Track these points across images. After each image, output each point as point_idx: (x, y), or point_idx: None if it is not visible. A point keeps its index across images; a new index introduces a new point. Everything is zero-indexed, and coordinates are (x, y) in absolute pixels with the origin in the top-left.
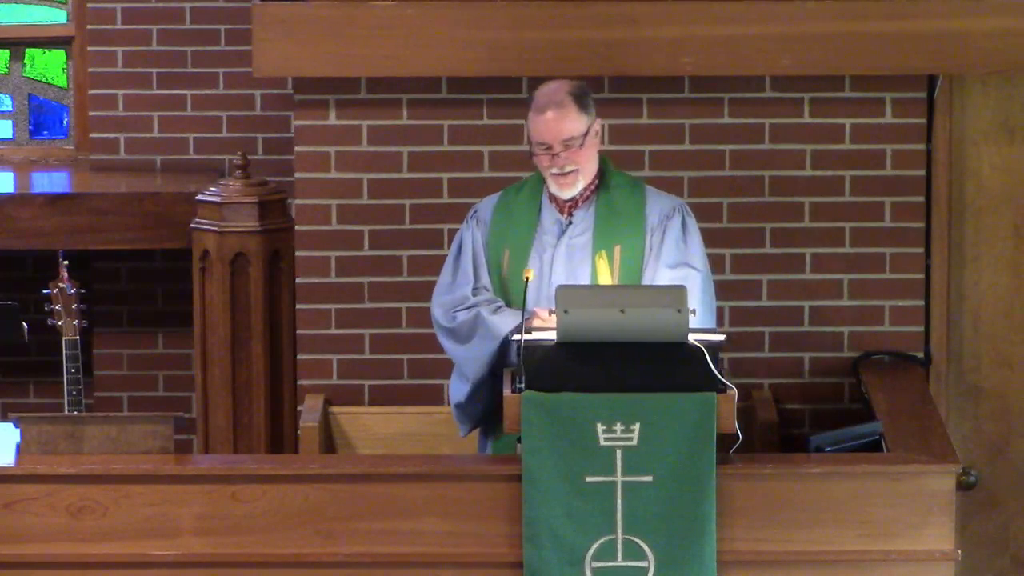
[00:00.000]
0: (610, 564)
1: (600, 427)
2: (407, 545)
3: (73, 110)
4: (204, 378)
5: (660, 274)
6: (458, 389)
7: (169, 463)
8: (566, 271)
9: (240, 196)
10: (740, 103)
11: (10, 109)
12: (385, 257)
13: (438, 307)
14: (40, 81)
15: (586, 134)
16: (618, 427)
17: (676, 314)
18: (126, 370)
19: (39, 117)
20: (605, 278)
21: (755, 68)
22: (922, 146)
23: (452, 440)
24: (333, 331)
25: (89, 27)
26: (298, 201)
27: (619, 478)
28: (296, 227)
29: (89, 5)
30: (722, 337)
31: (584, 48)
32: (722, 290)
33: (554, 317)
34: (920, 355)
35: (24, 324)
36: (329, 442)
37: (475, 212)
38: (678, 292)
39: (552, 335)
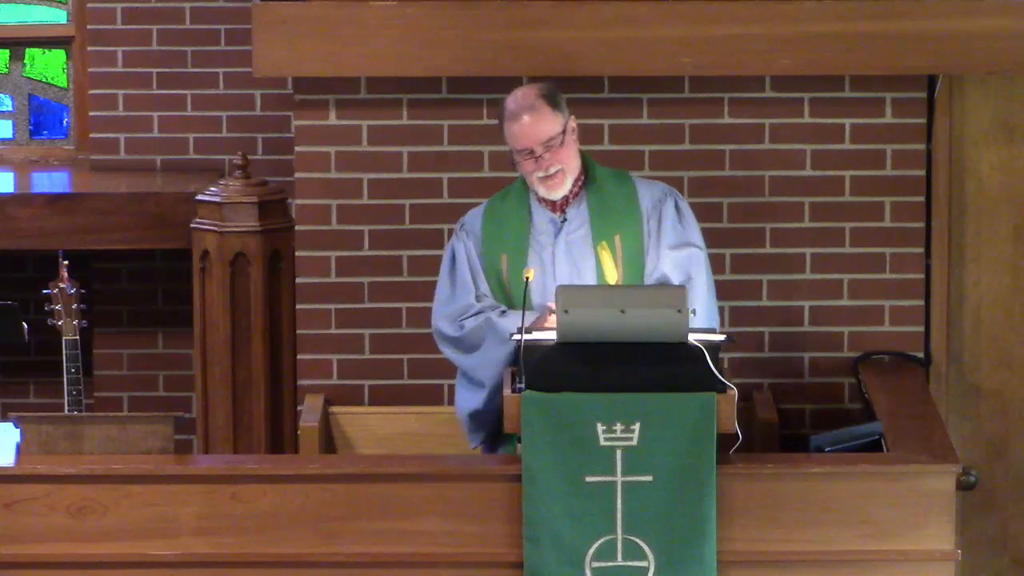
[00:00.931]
0: (610, 564)
1: (600, 427)
2: (407, 545)
3: (73, 110)
4: (204, 378)
5: (664, 256)
6: (470, 398)
7: (169, 463)
8: (568, 267)
9: (240, 196)
10: (740, 103)
11: (10, 109)
12: (385, 257)
13: (442, 319)
14: (40, 81)
15: (563, 132)
16: (618, 427)
17: (676, 314)
18: (126, 370)
19: (39, 117)
20: (610, 267)
21: (755, 68)
22: (922, 146)
23: (452, 440)
24: (333, 331)
25: (89, 27)
26: (298, 201)
27: (619, 478)
28: (296, 227)
29: (89, 5)
30: (722, 337)
31: (584, 48)
32: (722, 290)
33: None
34: (920, 355)
35: (24, 324)
36: (329, 442)
37: (462, 225)
38: (678, 292)
39: (552, 335)
